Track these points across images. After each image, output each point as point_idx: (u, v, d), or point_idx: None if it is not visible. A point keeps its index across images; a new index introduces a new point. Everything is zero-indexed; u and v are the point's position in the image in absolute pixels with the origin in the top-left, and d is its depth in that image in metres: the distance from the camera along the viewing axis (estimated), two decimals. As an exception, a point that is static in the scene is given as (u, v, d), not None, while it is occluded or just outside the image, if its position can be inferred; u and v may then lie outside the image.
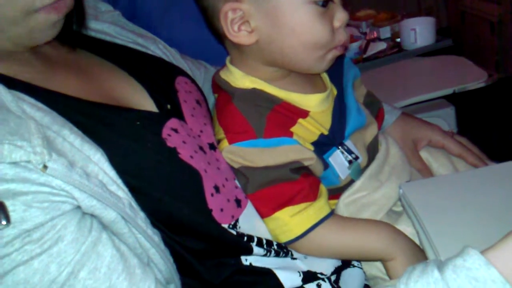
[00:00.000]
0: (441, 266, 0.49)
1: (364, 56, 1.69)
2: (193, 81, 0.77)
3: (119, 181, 0.53)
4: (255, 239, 0.63)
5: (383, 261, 0.68)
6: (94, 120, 0.56)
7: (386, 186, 0.73)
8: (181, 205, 0.57)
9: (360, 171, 0.74)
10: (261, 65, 0.70)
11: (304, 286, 0.64)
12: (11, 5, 0.50)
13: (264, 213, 0.66)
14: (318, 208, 0.66)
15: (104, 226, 0.52)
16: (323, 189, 0.69)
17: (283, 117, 0.67)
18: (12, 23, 0.52)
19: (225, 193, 0.62)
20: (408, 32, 1.66)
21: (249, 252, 0.62)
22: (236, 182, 0.66)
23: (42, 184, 0.46)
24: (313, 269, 0.66)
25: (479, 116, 2.07)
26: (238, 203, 0.64)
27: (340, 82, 0.77)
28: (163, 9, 1.02)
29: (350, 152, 0.72)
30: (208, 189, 0.60)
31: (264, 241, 0.64)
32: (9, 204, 0.45)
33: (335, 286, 0.67)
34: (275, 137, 0.66)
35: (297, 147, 0.66)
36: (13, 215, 0.45)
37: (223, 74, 0.73)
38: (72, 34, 0.66)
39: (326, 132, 0.70)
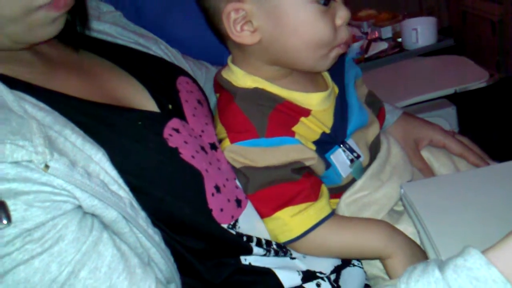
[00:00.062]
0: (442, 265, 0.49)
1: (366, 56, 1.68)
2: (194, 81, 0.77)
3: (120, 181, 0.53)
4: (255, 239, 0.63)
5: (381, 259, 0.68)
6: (96, 120, 0.56)
7: (388, 185, 0.74)
8: (182, 205, 0.57)
9: (362, 170, 0.74)
10: (263, 64, 0.70)
11: (304, 285, 0.64)
12: (11, 4, 0.50)
13: (264, 213, 0.66)
14: (319, 209, 0.66)
15: (105, 226, 0.52)
16: (324, 189, 0.69)
17: (285, 116, 0.67)
18: (12, 21, 0.51)
19: (225, 193, 0.62)
20: (409, 32, 1.66)
21: (249, 252, 0.62)
22: (237, 182, 0.66)
23: (43, 183, 0.46)
24: (312, 268, 0.66)
25: (480, 116, 2.06)
26: (239, 203, 0.64)
27: (341, 80, 0.77)
28: (164, 9, 1.02)
29: (352, 150, 0.73)
30: (209, 189, 0.60)
31: (263, 241, 0.64)
32: (10, 204, 0.45)
33: (335, 285, 0.67)
34: (277, 137, 0.66)
35: (299, 146, 0.66)
36: (14, 215, 0.45)
37: (225, 74, 0.73)
38: (76, 35, 0.66)
39: (328, 131, 0.70)
